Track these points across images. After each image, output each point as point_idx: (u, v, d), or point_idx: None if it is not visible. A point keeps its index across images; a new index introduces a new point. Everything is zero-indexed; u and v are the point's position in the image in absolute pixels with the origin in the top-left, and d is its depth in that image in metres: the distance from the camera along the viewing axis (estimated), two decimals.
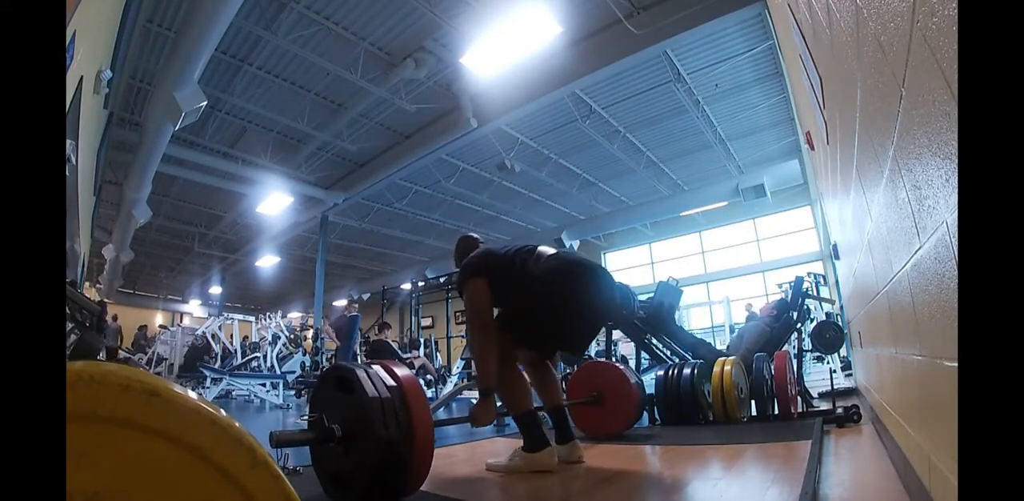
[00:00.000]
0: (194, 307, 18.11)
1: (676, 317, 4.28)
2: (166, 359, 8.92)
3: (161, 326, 12.18)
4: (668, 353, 4.01)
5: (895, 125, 0.86)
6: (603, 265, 2.04)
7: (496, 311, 1.94)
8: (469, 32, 5.54)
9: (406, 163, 8.29)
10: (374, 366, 1.40)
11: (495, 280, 1.88)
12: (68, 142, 3.15)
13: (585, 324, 1.93)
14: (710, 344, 4.36)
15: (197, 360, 8.56)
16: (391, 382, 1.35)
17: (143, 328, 12.33)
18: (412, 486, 1.35)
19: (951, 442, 0.69)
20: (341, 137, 8.00)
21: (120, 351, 9.96)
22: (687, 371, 2.95)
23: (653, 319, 3.96)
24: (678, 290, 4.31)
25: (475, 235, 2.25)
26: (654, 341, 4.02)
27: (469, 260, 1.99)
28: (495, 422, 3.80)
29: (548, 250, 1.93)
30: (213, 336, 9.24)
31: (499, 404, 1.87)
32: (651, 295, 4.17)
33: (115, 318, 11.59)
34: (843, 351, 5.71)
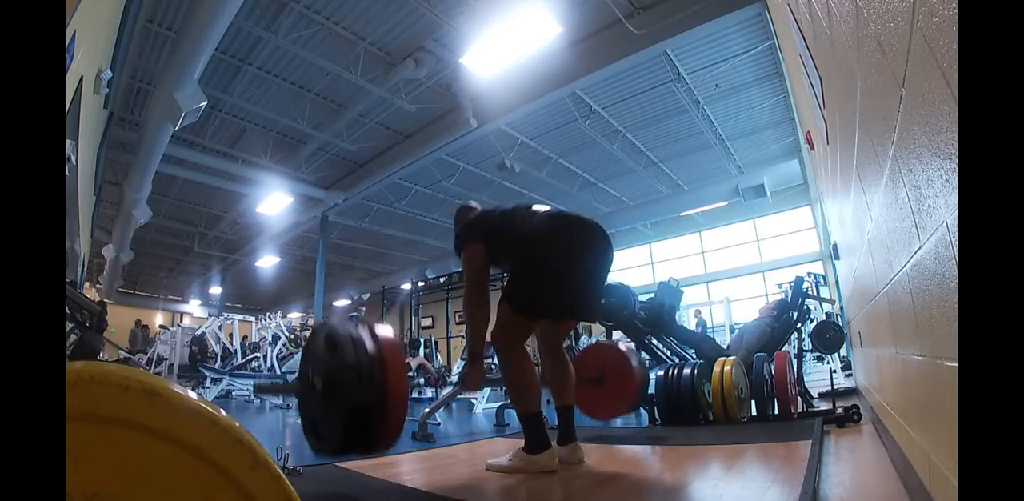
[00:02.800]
0: (194, 307, 18.11)
1: (676, 317, 4.29)
2: (166, 359, 8.92)
3: (161, 326, 12.18)
4: (668, 353, 4.01)
5: (895, 125, 0.86)
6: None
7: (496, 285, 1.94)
8: (469, 32, 5.54)
9: (406, 163, 8.29)
10: (359, 326, 1.44)
11: (493, 241, 1.88)
12: (68, 142, 3.15)
13: (585, 278, 1.88)
14: (713, 340, 4.37)
15: (197, 361, 8.53)
16: (371, 340, 1.38)
17: (144, 329, 12.34)
18: (384, 441, 1.39)
19: (951, 442, 0.69)
20: (341, 137, 8.00)
21: (120, 351, 9.96)
22: (687, 371, 2.94)
23: (654, 320, 3.96)
24: (679, 290, 4.31)
25: (474, 203, 2.24)
26: (654, 341, 4.02)
27: (466, 224, 1.99)
28: (495, 422, 3.82)
29: (544, 207, 1.94)
30: (211, 335, 9.24)
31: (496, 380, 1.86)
32: (652, 295, 4.17)
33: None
34: (843, 351, 5.71)
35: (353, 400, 1.28)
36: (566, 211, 1.97)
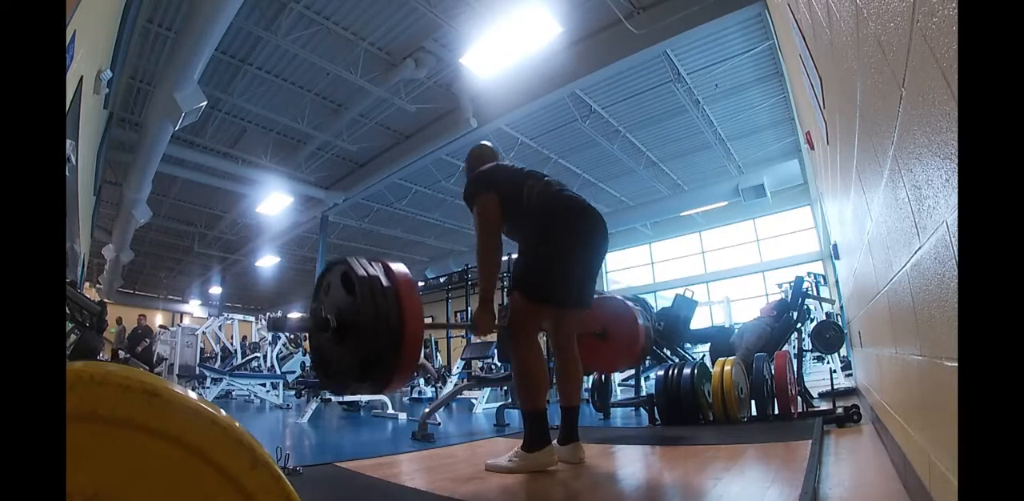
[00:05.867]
0: (194, 307, 18.10)
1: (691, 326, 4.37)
2: (166, 359, 8.91)
3: (161, 326, 12.17)
4: (668, 353, 4.02)
5: (895, 125, 0.86)
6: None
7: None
8: (469, 32, 5.54)
9: (406, 163, 8.29)
10: (372, 262, 1.42)
11: (503, 199, 1.86)
12: (68, 142, 3.15)
13: (586, 266, 1.91)
14: (725, 328, 4.44)
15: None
16: (384, 276, 1.36)
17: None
18: (399, 379, 1.37)
19: (951, 442, 0.69)
20: (341, 137, 8.00)
21: (119, 351, 9.96)
22: (687, 371, 2.94)
23: (670, 331, 4.01)
24: (693, 301, 4.38)
25: (489, 144, 2.21)
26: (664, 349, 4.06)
27: (482, 172, 1.97)
28: (495, 422, 3.81)
29: (553, 184, 1.93)
30: (210, 335, 9.22)
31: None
32: (649, 294, 4.21)
33: (120, 322, 11.60)
34: (843, 351, 5.71)
35: (368, 339, 1.26)
36: (572, 193, 1.95)
